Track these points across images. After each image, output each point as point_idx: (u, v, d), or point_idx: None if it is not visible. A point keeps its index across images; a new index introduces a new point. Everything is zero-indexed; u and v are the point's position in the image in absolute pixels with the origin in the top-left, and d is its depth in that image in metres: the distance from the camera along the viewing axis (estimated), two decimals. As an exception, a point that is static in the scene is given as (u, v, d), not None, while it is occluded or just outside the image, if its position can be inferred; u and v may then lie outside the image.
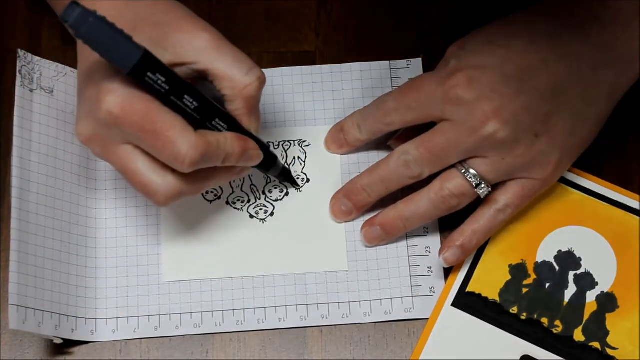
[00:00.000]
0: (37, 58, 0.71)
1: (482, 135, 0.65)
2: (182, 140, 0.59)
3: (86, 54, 0.61)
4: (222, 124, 0.61)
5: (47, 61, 0.72)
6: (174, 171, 0.60)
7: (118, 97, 0.58)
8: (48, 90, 0.71)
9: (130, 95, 0.58)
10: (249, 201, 0.72)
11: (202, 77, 0.62)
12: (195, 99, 0.59)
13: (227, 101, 0.63)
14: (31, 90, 0.70)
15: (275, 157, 0.68)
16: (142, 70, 0.55)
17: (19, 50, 0.70)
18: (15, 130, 0.68)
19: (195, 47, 0.61)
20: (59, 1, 0.68)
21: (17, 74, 0.69)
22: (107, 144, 0.60)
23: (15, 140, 0.68)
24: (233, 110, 0.63)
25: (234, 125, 0.63)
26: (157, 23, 0.61)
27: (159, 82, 0.56)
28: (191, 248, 0.71)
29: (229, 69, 0.61)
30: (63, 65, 0.72)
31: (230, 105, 0.63)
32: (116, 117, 0.58)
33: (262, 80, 0.63)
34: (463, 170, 0.67)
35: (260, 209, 0.72)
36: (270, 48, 0.76)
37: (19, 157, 0.68)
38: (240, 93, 0.62)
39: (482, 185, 0.67)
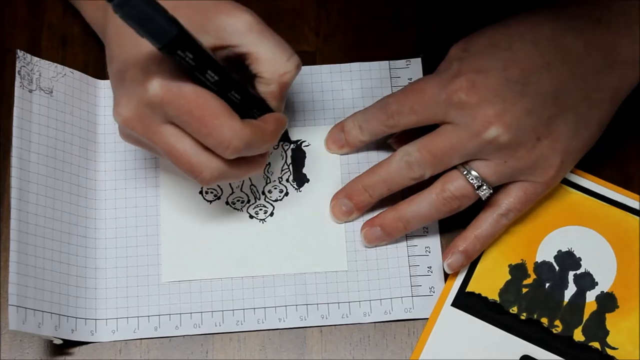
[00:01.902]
0: (36, 59, 0.71)
1: (484, 139, 0.65)
2: (228, 129, 0.59)
3: (124, 39, 0.62)
4: (237, 96, 0.62)
5: (46, 62, 0.72)
6: (218, 155, 0.61)
7: (165, 81, 0.59)
8: (47, 90, 0.71)
9: (178, 79, 0.59)
10: (248, 201, 0.72)
11: (241, 60, 0.63)
12: (217, 73, 0.60)
13: (262, 83, 0.63)
14: (30, 91, 0.70)
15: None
16: (173, 47, 0.56)
17: (18, 50, 0.70)
18: (15, 130, 0.68)
19: (238, 30, 0.62)
20: None
21: (16, 74, 0.69)
22: (149, 123, 0.61)
23: (15, 141, 0.68)
24: (266, 92, 0.64)
25: (250, 97, 0.63)
26: (197, 7, 0.62)
27: (187, 58, 0.57)
28: (191, 248, 0.71)
29: (270, 54, 0.62)
30: (62, 66, 0.72)
31: (264, 87, 0.63)
32: (162, 99, 0.59)
33: (299, 68, 0.64)
34: (465, 172, 0.67)
35: (260, 209, 0.72)
36: (270, 48, 0.76)
37: (18, 158, 0.68)
38: (278, 78, 0.63)
39: (484, 187, 0.67)
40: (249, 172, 0.65)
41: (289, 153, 0.73)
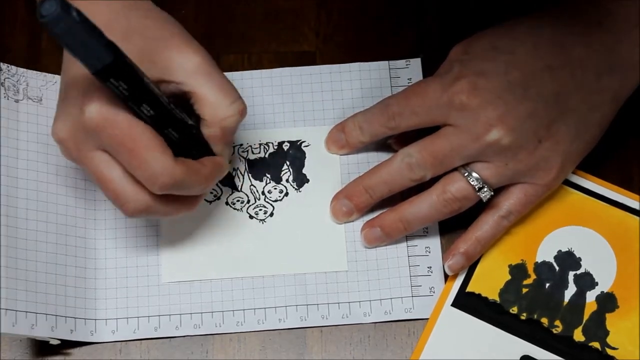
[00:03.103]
0: (22, 70, 0.72)
1: (485, 141, 0.65)
2: (157, 163, 0.58)
3: (70, 58, 0.60)
4: (175, 134, 0.61)
5: (34, 72, 0.72)
6: (147, 188, 0.60)
7: (102, 107, 0.58)
8: (36, 99, 0.71)
9: (115, 107, 0.58)
10: (248, 202, 0.72)
11: (185, 97, 0.62)
12: (153, 108, 0.58)
13: (204, 125, 0.62)
14: (17, 101, 0.71)
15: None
16: (106, 75, 0.55)
17: (1, 64, 0.71)
18: (2, 140, 0.69)
19: (185, 68, 0.60)
20: None
21: (0, 86, 0.70)
22: (82, 147, 0.60)
23: (2, 150, 0.68)
24: (208, 134, 0.62)
25: (190, 137, 0.62)
26: (150, 36, 0.61)
27: (120, 88, 0.56)
28: (191, 249, 0.71)
29: (213, 97, 0.61)
30: (52, 75, 0.73)
31: (206, 129, 0.62)
32: (97, 125, 0.58)
33: (243, 114, 0.63)
34: (466, 174, 0.67)
35: (260, 210, 0.72)
36: (270, 48, 0.76)
37: (5, 166, 0.68)
38: (219, 122, 0.62)
39: (485, 189, 0.67)
40: (178, 211, 0.63)
41: (289, 154, 0.73)
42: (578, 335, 0.69)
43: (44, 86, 0.72)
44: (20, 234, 0.67)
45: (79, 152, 0.60)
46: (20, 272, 0.66)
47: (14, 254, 0.67)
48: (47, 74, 0.73)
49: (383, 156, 0.71)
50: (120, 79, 0.55)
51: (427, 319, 0.69)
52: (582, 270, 0.70)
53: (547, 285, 0.70)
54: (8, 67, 0.71)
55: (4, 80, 0.71)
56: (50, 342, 0.67)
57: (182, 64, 0.60)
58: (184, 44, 0.61)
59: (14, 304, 0.65)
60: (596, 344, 0.68)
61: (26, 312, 0.66)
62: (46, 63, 0.74)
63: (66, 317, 0.68)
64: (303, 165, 0.73)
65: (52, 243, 0.69)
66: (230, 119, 0.62)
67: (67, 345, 0.68)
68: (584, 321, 0.69)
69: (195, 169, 0.61)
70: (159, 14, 0.63)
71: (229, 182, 0.71)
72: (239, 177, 0.73)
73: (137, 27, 0.60)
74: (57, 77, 0.73)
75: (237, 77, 0.75)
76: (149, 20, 0.62)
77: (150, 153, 0.58)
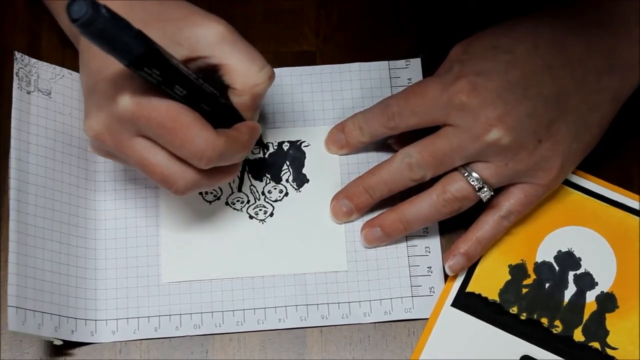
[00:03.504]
0: (34, 60, 0.71)
1: (485, 141, 0.65)
2: (201, 139, 0.59)
3: (95, 51, 0.60)
4: (207, 108, 0.61)
5: (44, 63, 0.72)
6: (191, 165, 0.61)
7: (135, 95, 0.58)
8: (45, 92, 0.71)
9: (148, 93, 0.59)
10: (248, 202, 0.72)
11: (214, 70, 0.62)
12: (185, 87, 0.59)
13: (234, 94, 0.63)
14: (28, 92, 0.70)
15: None
16: (139, 65, 0.56)
17: (16, 52, 0.70)
18: (13, 132, 0.68)
19: (209, 40, 0.61)
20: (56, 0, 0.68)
21: (14, 76, 0.69)
22: (120, 137, 0.60)
23: (13, 142, 0.68)
24: (238, 103, 0.63)
25: (221, 108, 0.63)
26: (169, 19, 0.61)
27: (154, 75, 0.57)
28: (191, 249, 0.71)
29: (242, 65, 0.62)
30: (60, 67, 0.72)
31: (236, 98, 0.63)
32: (133, 113, 0.59)
33: (272, 79, 0.63)
34: (466, 174, 0.67)
35: (260, 210, 0.72)
36: (270, 48, 0.76)
37: (17, 159, 0.68)
38: (250, 89, 0.63)
39: (485, 189, 0.67)
40: (223, 180, 0.64)
41: (289, 154, 0.73)
42: (578, 335, 0.69)
43: (53, 79, 0.72)
44: (29, 231, 0.67)
45: (117, 142, 0.61)
46: (29, 270, 0.66)
47: (23, 251, 0.66)
48: (55, 66, 0.72)
49: (383, 156, 0.71)
50: (152, 66, 0.56)
51: (427, 319, 0.69)
52: (582, 270, 0.70)
53: (547, 285, 0.70)
54: (22, 56, 0.71)
55: (18, 70, 0.70)
56: (54, 343, 0.67)
57: (206, 38, 0.61)
58: (203, 18, 0.62)
59: (24, 302, 0.65)
60: (596, 344, 0.68)
61: (34, 311, 0.66)
62: (46, 63, 0.74)
63: (68, 317, 0.68)
64: (303, 165, 0.73)
65: (56, 242, 0.69)
66: (260, 86, 0.63)
67: (68, 345, 0.68)
68: (583, 321, 0.69)
69: (235, 137, 0.62)
70: None
71: (259, 142, 0.72)
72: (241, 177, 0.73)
73: (155, 13, 0.61)
74: (65, 71, 0.73)
75: (237, 77, 0.75)
76: (164, 6, 0.62)
77: (192, 130, 0.59)
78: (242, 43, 0.62)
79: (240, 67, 0.62)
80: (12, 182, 0.67)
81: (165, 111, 0.59)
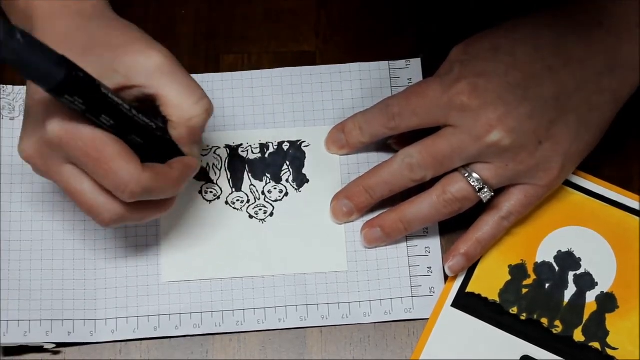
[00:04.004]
0: (18, 87, 0.73)
1: (486, 142, 0.65)
2: (125, 172, 0.58)
3: None
4: (139, 140, 0.60)
5: None
6: (117, 198, 0.60)
7: (64, 121, 0.57)
8: None
9: (77, 120, 0.57)
10: (248, 201, 0.72)
11: (151, 101, 0.61)
12: (113, 117, 0.58)
13: (171, 127, 0.61)
14: (12, 119, 0.72)
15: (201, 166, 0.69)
16: (59, 91, 0.54)
17: (1, 86, 0.72)
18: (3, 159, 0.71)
19: (147, 69, 0.59)
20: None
21: None
22: (49, 163, 0.60)
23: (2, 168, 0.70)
24: (174, 135, 0.62)
25: (156, 140, 0.61)
26: (111, 45, 0.60)
27: (77, 102, 0.55)
28: (191, 248, 0.71)
29: (177, 97, 0.60)
30: None
31: (173, 130, 0.61)
32: (60, 140, 0.58)
33: (209, 113, 0.61)
34: (466, 175, 0.67)
35: (260, 210, 0.72)
36: (270, 48, 0.76)
37: (3, 183, 0.70)
38: (186, 123, 0.61)
39: (485, 190, 0.67)
40: (152, 216, 0.63)
41: (288, 154, 0.73)
42: (578, 336, 0.69)
43: None
44: (13, 247, 0.69)
45: (47, 167, 0.60)
46: (11, 283, 0.67)
47: (6, 267, 0.68)
48: None
49: (383, 156, 0.71)
50: (74, 94, 0.55)
51: (427, 319, 0.69)
52: (582, 270, 0.70)
53: (547, 285, 0.70)
54: (4, 88, 0.73)
55: (1, 100, 0.72)
56: (45, 347, 0.67)
57: (143, 67, 0.59)
58: (145, 46, 0.60)
59: (5, 314, 0.66)
60: (596, 344, 0.68)
61: (18, 320, 0.66)
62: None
63: (63, 320, 0.68)
64: (303, 165, 0.73)
65: (48, 250, 0.69)
66: (196, 119, 0.61)
67: (68, 345, 0.68)
68: (584, 321, 0.69)
69: (164, 173, 0.60)
70: (120, 23, 0.62)
71: (203, 176, 0.71)
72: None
73: (98, 38, 0.60)
74: None
75: (237, 77, 0.75)
76: (110, 30, 0.61)
77: (116, 162, 0.58)
78: (181, 74, 0.60)
79: (175, 99, 0.60)
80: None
81: (91, 140, 0.57)
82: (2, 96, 0.73)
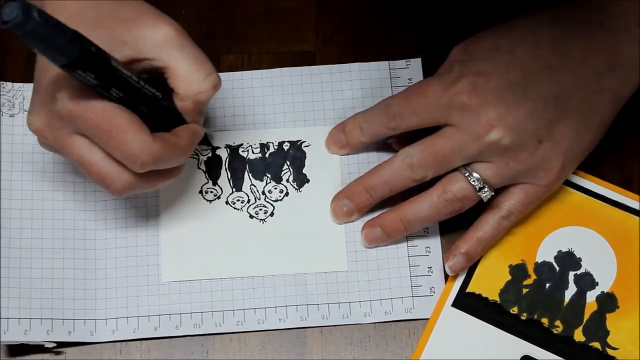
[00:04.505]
0: (18, 85, 0.73)
1: (486, 142, 0.65)
2: (135, 143, 0.59)
3: None
4: (145, 110, 0.61)
5: (31, 85, 0.72)
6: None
7: (74, 94, 0.58)
8: None
9: (87, 92, 0.58)
10: (248, 201, 0.72)
11: (159, 72, 0.62)
12: (122, 90, 0.59)
13: (177, 98, 0.62)
14: (11, 116, 0.72)
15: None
16: (72, 67, 0.55)
17: (1, 82, 0.72)
18: (3, 156, 0.70)
19: (156, 42, 0.60)
20: None
21: None
22: (60, 134, 0.60)
23: (2, 165, 0.70)
24: (180, 107, 0.62)
25: (162, 110, 0.62)
26: (120, 19, 0.61)
27: (89, 77, 0.56)
28: (191, 248, 0.71)
29: (187, 70, 0.61)
30: None
31: (179, 102, 0.62)
32: (70, 112, 0.58)
33: (217, 88, 0.62)
34: (466, 174, 0.67)
35: (260, 209, 0.72)
36: (270, 48, 0.76)
37: (3, 179, 0.70)
38: (193, 96, 0.62)
39: (485, 189, 0.67)
40: (162, 183, 0.63)
41: (289, 154, 0.73)
42: (578, 336, 0.69)
43: None
44: (13, 244, 0.68)
45: (56, 139, 0.61)
46: (12, 281, 0.67)
47: (6, 264, 0.67)
48: None
49: (383, 156, 0.71)
50: (87, 69, 0.56)
51: (427, 319, 0.69)
52: (582, 270, 0.70)
53: (548, 285, 0.70)
54: (4, 84, 0.73)
55: (0, 97, 0.72)
56: (45, 346, 0.67)
57: (152, 39, 0.60)
58: (155, 19, 0.61)
59: (6, 312, 0.66)
60: (596, 344, 0.68)
61: (19, 318, 0.66)
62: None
63: (63, 319, 0.68)
64: (303, 165, 0.73)
65: (48, 249, 0.69)
66: (204, 94, 0.62)
67: (67, 345, 0.68)
68: (584, 321, 0.69)
69: (173, 142, 0.61)
70: None
71: (205, 141, 0.72)
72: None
73: (108, 12, 0.60)
74: None
75: (237, 77, 0.75)
76: (119, 5, 0.61)
77: (127, 134, 0.58)
78: (190, 48, 0.61)
79: (185, 72, 0.61)
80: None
81: (101, 113, 0.58)
82: (2, 93, 0.73)
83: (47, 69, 0.60)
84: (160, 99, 0.62)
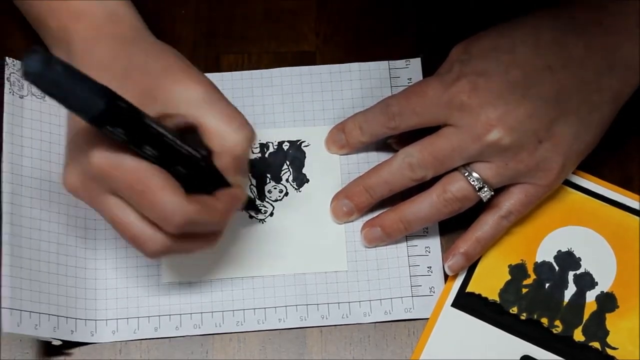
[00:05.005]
0: None
1: (486, 142, 0.65)
2: (169, 204, 0.57)
3: None
4: (183, 170, 0.59)
5: None
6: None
7: (107, 152, 0.57)
8: (40, 95, 0.71)
9: (121, 151, 0.57)
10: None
11: (192, 130, 0.60)
12: (155, 148, 0.57)
13: (214, 156, 0.61)
14: (21, 97, 0.70)
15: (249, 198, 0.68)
16: (100, 122, 0.53)
17: (7, 58, 0.70)
18: (5, 136, 0.68)
19: (187, 99, 0.59)
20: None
21: (5, 81, 0.69)
22: (93, 193, 0.59)
23: (6, 147, 0.68)
24: (219, 165, 0.61)
25: (201, 171, 0.61)
26: (150, 72, 0.60)
27: (118, 133, 0.54)
28: (191, 248, 0.71)
29: (218, 126, 0.59)
30: None
31: (217, 160, 0.61)
32: (103, 171, 0.57)
33: (251, 139, 0.61)
34: (466, 174, 0.67)
35: (260, 209, 0.72)
36: (270, 48, 0.76)
37: (10, 163, 0.68)
38: (229, 151, 0.60)
39: (485, 189, 0.67)
40: (200, 247, 0.62)
41: (289, 154, 0.73)
42: (578, 335, 0.69)
43: None
44: (24, 233, 0.67)
45: (91, 199, 0.59)
46: (24, 271, 0.66)
47: (18, 253, 0.66)
48: None
49: (383, 156, 0.71)
50: (116, 124, 0.54)
51: (427, 319, 0.69)
52: (582, 270, 0.70)
53: (547, 285, 0.70)
54: (13, 61, 0.71)
55: (10, 75, 0.70)
56: (53, 343, 0.67)
57: (183, 96, 0.59)
58: (185, 75, 0.60)
59: (19, 304, 0.65)
60: (596, 344, 0.68)
61: (30, 312, 0.66)
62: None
63: (67, 317, 0.68)
64: (303, 165, 0.73)
65: (54, 242, 0.69)
66: (238, 147, 0.60)
67: (68, 345, 0.68)
68: (584, 321, 0.69)
69: (210, 204, 0.60)
70: (161, 47, 0.62)
71: (251, 206, 0.71)
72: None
73: (138, 64, 0.59)
74: None
75: (237, 77, 0.75)
76: (150, 56, 0.61)
77: (161, 194, 0.57)
78: (220, 103, 0.60)
79: (216, 127, 0.59)
80: (6, 186, 0.67)
81: (134, 172, 0.57)
82: (11, 70, 0.71)
83: (79, 126, 0.58)
84: (199, 159, 0.60)
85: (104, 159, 0.57)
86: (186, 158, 0.59)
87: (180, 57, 0.61)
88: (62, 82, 0.51)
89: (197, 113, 0.59)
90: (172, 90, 0.59)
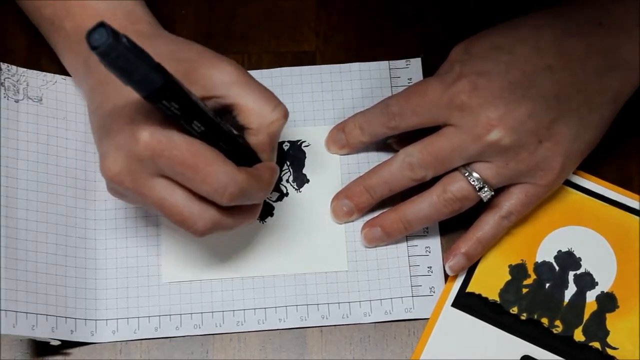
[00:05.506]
0: (22, 70, 0.72)
1: (486, 142, 0.65)
2: (223, 174, 0.58)
3: (108, 89, 0.61)
4: (224, 146, 0.61)
5: (35, 71, 0.72)
6: (212, 204, 0.60)
7: (155, 131, 0.58)
8: (36, 99, 0.71)
9: (167, 129, 0.58)
10: (248, 201, 0.72)
11: (226, 111, 0.62)
12: (203, 124, 0.59)
13: (251, 134, 0.63)
14: (16, 101, 0.71)
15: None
16: (158, 97, 0.55)
17: (1, 63, 0.71)
18: (2, 141, 0.69)
19: (223, 81, 0.61)
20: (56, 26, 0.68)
21: (0, 86, 0.70)
22: (139, 177, 0.59)
23: (2, 150, 0.68)
24: (255, 142, 0.63)
25: (238, 147, 0.62)
26: (181, 59, 0.61)
27: (172, 108, 0.56)
28: (191, 249, 0.71)
29: (256, 104, 0.62)
30: (52, 74, 0.73)
31: (253, 137, 0.63)
32: (153, 150, 0.58)
33: (286, 117, 0.64)
34: (466, 174, 0.67)
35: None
36: (270, 48, 0.76)
37: (5, 167, 0.68)
38: (266, 128, 0.62)
39: (485, 189, 0.67)
40: (243, 221, 0.63)
41: (289, 153, 0.73)
42: (578, 335, 0.69)
43: (44, 86, 0.72)
44: (20, 235, 0.67)
45: (136, 182, 0.60)
46: (20, 273, 0.66)
47: (13, 255, 0.67)
48: (47, 73, 0.73)
49: (383, 156, 0.71)
50: (172, 99, 0.55)
51: (427, 319, 0.69)
52: (582, 270, 0.70)
53: (547, 285, 0.70)
54: (8, 67, 0.71)
55: (4, 80, 0.71)
56: (51, 343, 0.67)
57: (219, 78, 0.61)
58: (215, 59, 0.62)
59: (15, 305, 0.65)
60: (596, 344, 0.68)
61: (27, 313, 0.66)
62: (46, 63, 0.74)
63: (66, 317, 0.68)
64: (303, 165, 0.73)
65: (52, 243, 0.69)
66: (275, 124, 0.63)
67: (68, 345, 0.68)
68: (584, 321, 0.69)
69: (257, 175, 0.61)
70: (182, 39, 0.65)
71: (276, 187, 0.71)
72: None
73: (166, 54, 0.60)
74: (58, 77, 0.73)
75: (237, 77, 0.75)
76: (175, 46, 0.63)
77: (214, 166, 0.58)
78: (254, 83, 0.63)
79: (255, 106, 0.62)
80: (1, 190, 0.67)
81: (187, 147, 0.58)
82: (5, 76, 0.71)
83: (117, 112, 0.59)
84: (236, 136, 0.62)
85: (154, 137, 0.58)
86: (226, 134, 0.61)
87: (204, 47, 0.63)
88: (127, 55, 0.52)
89: (235, 94, 0.62)
90: (209, 74, 0.61)
